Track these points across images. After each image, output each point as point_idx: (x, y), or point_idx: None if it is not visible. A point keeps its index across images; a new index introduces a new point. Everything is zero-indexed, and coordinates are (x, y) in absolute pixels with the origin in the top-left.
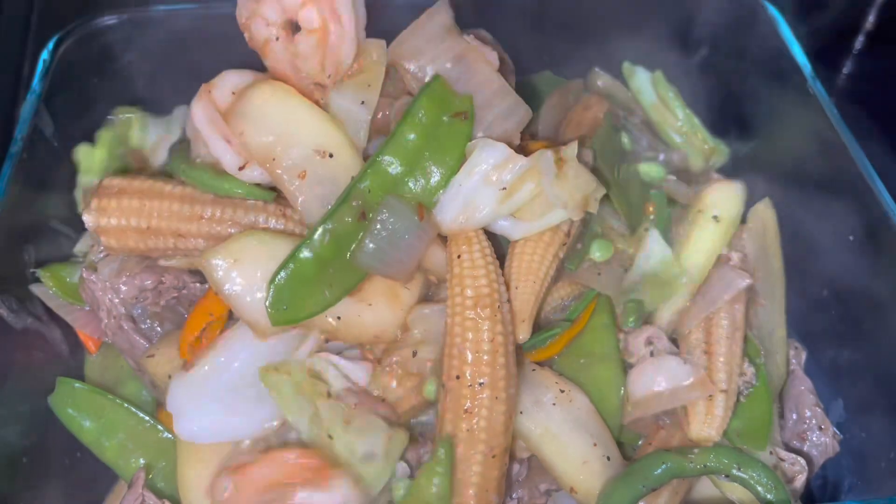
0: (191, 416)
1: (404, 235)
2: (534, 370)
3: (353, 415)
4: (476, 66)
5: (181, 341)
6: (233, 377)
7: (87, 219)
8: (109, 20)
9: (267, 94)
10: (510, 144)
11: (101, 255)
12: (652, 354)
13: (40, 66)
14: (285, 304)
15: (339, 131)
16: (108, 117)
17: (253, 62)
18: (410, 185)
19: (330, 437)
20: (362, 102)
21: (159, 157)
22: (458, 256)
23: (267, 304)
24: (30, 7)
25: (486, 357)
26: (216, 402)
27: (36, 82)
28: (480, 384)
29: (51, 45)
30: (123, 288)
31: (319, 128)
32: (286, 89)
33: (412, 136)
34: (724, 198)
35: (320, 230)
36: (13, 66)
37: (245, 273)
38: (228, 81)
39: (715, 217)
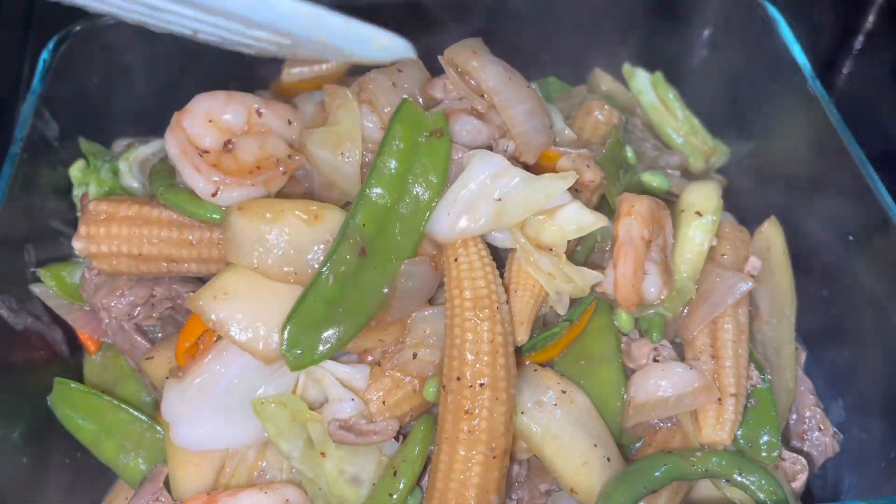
0: (186, 424)
1: (424, 288)
2: (535, 371)
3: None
4: (519, 82)
5: (177, 348)
6: (228, 386)
7: (78, 245)
8: (109, 20)
9: (251, 222)
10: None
11: (95, 273)
12: (656, 360)
13: (40, 66)
14: (299, 349)
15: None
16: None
17: (249, 64)
18: (402, 210)
19: (323, 454)
20: (342, 154)
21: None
22: (456, 260)
23: (282, 350)
24: (30, 7)
25: (485, 358)
26: (211, 411)
27: (36, 82)
28: (481, 385)
29: (51, 45)
30: (115, 306)
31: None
32: (262, 212)
33: (393, 163)
34: (700, 196)
35: (324, 272)
36: (13, 66)
37: (237, 306)
38: (201, 107)
39: (697, 213)
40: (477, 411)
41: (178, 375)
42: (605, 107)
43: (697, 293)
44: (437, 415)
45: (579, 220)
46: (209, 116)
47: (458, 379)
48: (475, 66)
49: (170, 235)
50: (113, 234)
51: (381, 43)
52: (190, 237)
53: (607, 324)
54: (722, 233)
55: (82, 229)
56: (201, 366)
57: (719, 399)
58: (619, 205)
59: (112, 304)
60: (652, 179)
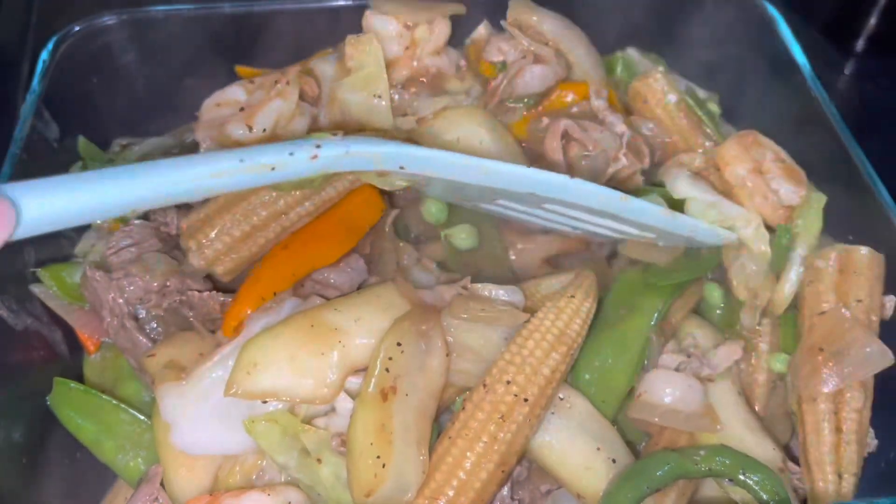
0: (186, 427)
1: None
2: None
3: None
4: (573, 26)
5: (228, 316)
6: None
7: (196, 262)
8: (109, 20)
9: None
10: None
11: (112, 252)
12: (678, 369)
13: (40, 67)
14: None
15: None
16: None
17: (247, 63)
18: None
19: (319, 461)
20: (373, 93)
21: None
22: (572, 296)
23: None
24: (30, 7)
25: (541, 380)
26: (212, 416)
27: (36, 82)
28: (525, 400)
29: (51, 45)
30: (130, 288)
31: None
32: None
33: None
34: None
35: None
36: (13, 67)
37: (274, 372)
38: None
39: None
40: (507, 424)
41: (180, 378)
42: (649, 79)
43: (823, 344)
44: (458, 410)
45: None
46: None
47: (508, 383)
48: (536, 19)
49: (268, 194)
50: (220, 228)
51: (727, 236)
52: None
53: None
54: (853, 265)
55: (191, 244)
56: (203, 370)
57: (840, 476)
58: (718, 160)
59: (127, 285)
60: None
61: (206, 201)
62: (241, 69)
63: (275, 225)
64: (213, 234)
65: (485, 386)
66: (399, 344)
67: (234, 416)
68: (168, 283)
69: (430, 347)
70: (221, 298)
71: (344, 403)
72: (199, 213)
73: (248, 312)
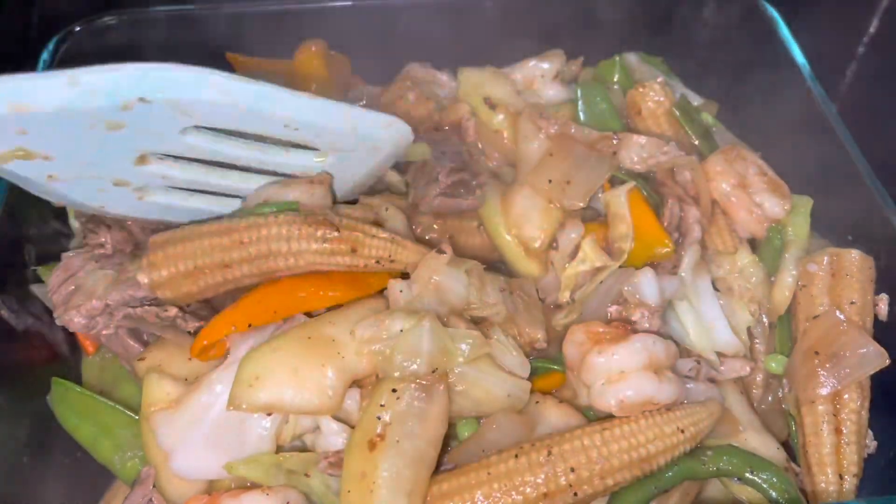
0: (183, 455)
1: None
2: (537, 403)
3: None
4: None
5: (197, 340)
6: (218, 418)
7: (142, 279)
8: (109, 20)
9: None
10: None
11: (53, 292)
12: (689, 374)
13: (41, 67)
14: None
15: None
16: None
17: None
18: None
19: (307, 475)
20: None
21: None
22: (681, 430)
23: None
24: (30, 7)
25: (599, 486)
26: (205, 442)
27: None
28: (574, 494)
29: (51, 45)
30: (74, 321)
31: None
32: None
33: None
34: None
35: None
36: (13, 66)
37: (277, 383)
38: None
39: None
40: (546, 502)
41: (168, 412)
42: (646, 90)
43: (819, 347)
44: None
45: None
46: None
47: (572, 470)
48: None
49: (221, 242)
50: (170, 256)
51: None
52: (240, 238)
53: None
54: (845, 267)
55: (144, 261)
56: (192, 397)
57: (842, 476)
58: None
59: (68, 316)
60: None
61: (178, 225)
62: (230, 56)
63: (217, 273)
64: (162, 257)
65: (550, 454)
66: (394, 390)
67: (227, 442)
68: (109, 302)
69: (432, 395)
70: (156, 311)
71: (328, 424)
72: (166, 235)
73: (207, 341)
